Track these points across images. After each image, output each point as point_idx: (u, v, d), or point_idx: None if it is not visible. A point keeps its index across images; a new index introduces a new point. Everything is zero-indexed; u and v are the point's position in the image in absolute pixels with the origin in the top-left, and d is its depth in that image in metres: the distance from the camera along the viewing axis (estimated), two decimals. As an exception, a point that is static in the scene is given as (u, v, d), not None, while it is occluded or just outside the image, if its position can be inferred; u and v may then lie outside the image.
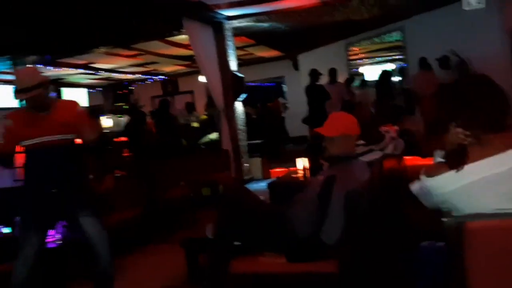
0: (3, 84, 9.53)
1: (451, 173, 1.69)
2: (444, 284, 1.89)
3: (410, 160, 6.79)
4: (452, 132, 1.73)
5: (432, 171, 1.77)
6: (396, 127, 4.21)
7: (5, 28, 7.02)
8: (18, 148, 3.15)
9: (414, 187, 1.87)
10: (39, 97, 2.97)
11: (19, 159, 7.07)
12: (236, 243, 2.81)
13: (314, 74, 8.56)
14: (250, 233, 2.70)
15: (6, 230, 3.81)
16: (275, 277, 2.56)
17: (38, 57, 8.29)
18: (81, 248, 3.72)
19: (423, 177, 1.80)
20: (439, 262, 2.01)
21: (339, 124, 2.70)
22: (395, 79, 11.00)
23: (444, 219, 1.69)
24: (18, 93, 2.97)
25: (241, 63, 7.98)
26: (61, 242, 3.90)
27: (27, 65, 3.08)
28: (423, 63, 8.14)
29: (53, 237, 3.79)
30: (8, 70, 8.87)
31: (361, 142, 3.53)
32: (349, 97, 9.28)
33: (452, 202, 1.72)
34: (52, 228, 3.75)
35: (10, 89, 8.81)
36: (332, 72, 9.37)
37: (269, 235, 2.64)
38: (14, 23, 6.96)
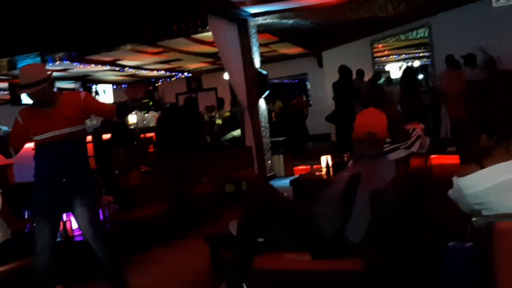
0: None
1: (483, 172, 1.67)
2: (471, 286, 1.86)
3: (436, 159, 6.71)
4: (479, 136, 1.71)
5: (464, 171, 1.74)
6: (422, 125, 4.15)
7: (35, 24, 7.19)
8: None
9: (450, 191, 1.84)
10: (42, 92, 2.99)
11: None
12: (259, 239, 2.82)
13: (345, 71, 8.41)
14: (274, 229, 2.70)
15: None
16: (299, 274, 2.57)
17: (66, 54, 8.46)
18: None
19: (455, 178, 1.77)
20: (466, 263, 1.98)
21: (368, 122, 2.67)
22: (420, 76, 10.86)
23: (473, 219, 1.66)
24: (21, 88, 3.02)
25: (265, 60, 7.99)
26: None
27: (34, 62, 3.06)
28: (451, 60, 7.98)
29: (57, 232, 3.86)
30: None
31: (387, 140, 3.49)
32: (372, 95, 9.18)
33: (484, 201, 1.70)
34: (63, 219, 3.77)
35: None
36: (360, 71, 9.31)
37: (293, 232, 2.64)
38: (44, 20, 7.12)
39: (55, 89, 3.31)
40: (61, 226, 3.87)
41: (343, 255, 2.45)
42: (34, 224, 3.17)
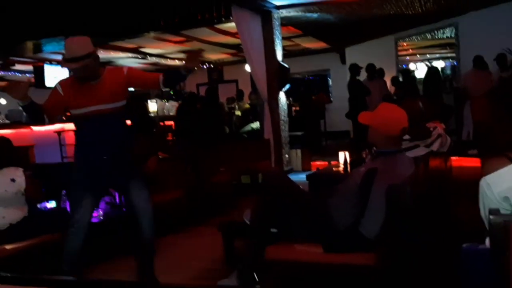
0: (57, 65, 9.88)
1: (509, 168, 1.63)
2: (489, 286, 1.83)
3: (456, 160, 6.60)
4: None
5: (490, 168, 1.70)
6: (443, 125, 4.09)
7: (59, 9, 7.28)
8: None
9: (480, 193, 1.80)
10: (88, 67, 2.91)
11: (68, 137, 7.34)
12: (272, 230, 2.82)
13: (355, 69, 8.42)
14: (287, 220, 2.70)
15: (52, 204, 3.94)
16: (310, 266, 2.56)
17: (91, 38, 8.52)
18: (121, 224, 3.84)
19: (482, 178, 1.73)
20: (482, 264, 1.95)
21: (387, 116, 2.62)
22: (445, 77, 10.68)
23: (491, 217, 1.63)
24: (66, 62, 2.93)
25: (287, 54, 7.96)
26: (102, 218, 4.03)
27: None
28: (478, 61, 7.84)
29: (96, 212, 3.92)
30: (61, 51, 9.22)
31: (407, 137, 3.44)
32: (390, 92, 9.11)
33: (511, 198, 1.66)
34: (103, 196, 3.78)
35: (63, 69, 9.17)
36: (371, 68, 9.16)
37: (307, 224, 2.63)
38: (69, 4, 7.21)
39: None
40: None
41: (356, 250, 2.44)
42: (71, 201, 3.14)
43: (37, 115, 2.98)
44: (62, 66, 3.01)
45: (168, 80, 3.21)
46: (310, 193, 3.40)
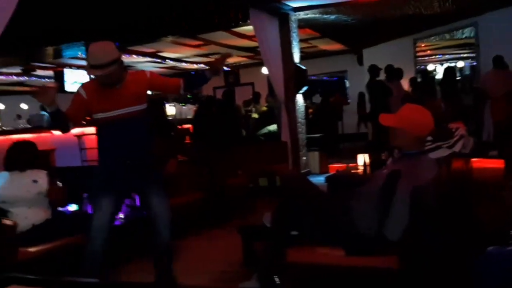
0: (77, 70, 10.03)
1: None
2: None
3: (477, 162, 6.49)
4: None
5: None
6: (465, 125, 4.02)
7: (78, 15, 7.39)
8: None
9: None
10: (113, 74, 2.89)
11: (88, 141, 7.42)
12: (293, 232, 2.80)
13: (374, 70, 8.34)
14: (308, 223, 2.68)
15: (74, 207, 3.99)
16: (332, 269, 2.54)
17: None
18: (141, 226, 3.86)
19: None
20: (506, 267, 1.91)
21: (414, 117, 2.58)
22: (464, 77, 10.54)
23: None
24: (92, 69, 2.90)
25: (304, 56, 7.94)
26: (123, 220, 4.06)
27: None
28: (498, 61, 7.70)
29: (118, 215, 3.95)
30: (81, 56, 9.34)
31: (429, 138, 3.39)
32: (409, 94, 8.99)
33: None
34: (124, 200, 3.77)
35: (83, 74, 9.31)
36: (390, 69, 9.06)
37: (328, 227, 2.61)
38: (88, 10, 7.31)
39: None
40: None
41: (379, 252, 2.41)
42: (93, 205, 3.14)
43: (64, 122, 2.95)
44: (87, 72, 3.03)
45: (188, 84, 3.23)
46: (330, 196, 3.37)
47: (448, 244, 2.46)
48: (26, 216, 3.33)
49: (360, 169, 5.03)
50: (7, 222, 3.10)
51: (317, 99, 12.83)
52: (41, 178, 3.41)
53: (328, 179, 4.89)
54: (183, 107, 10.40)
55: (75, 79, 9.61)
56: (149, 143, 3.21)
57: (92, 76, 3.11)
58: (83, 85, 3.09)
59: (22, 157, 3.45)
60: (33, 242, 3.23)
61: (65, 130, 3.02)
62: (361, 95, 12.14)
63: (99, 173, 3.13)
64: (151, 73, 3.23)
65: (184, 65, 12.67)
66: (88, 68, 2.95)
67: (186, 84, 3.20)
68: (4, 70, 10.94)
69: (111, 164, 3.08)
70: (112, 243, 3.24)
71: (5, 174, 3.42)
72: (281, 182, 5.82)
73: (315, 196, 2.78)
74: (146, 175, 3.15)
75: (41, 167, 3.54)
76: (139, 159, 3.08)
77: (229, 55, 3.57)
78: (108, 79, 2.93)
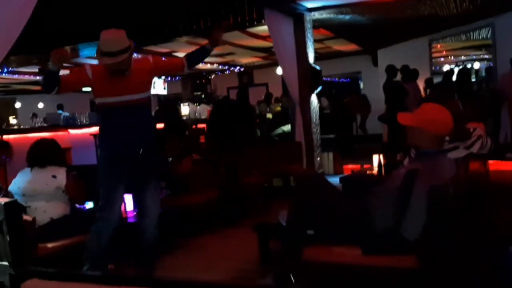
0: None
1: None
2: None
3: (494, 164, 6.41)
4: None
5: None
6: (483, 125, 3.97)
7: (95, 15, 7.48)
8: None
9: None
10: (124, 62, 2.89)
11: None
12: (309, 231, 2.80)
13: (392, 71, 8.29)
14: (325, 222, 2.68)
15: (90, 204, 4.03)
16: (349, 268, 2.53)
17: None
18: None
19: None
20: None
21: (435, 116, 2.56)
22: (481, 79, 10.43)
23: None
24: (104, 56, 2.88)
25: (318, 56, 7.92)
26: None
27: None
28: (516, 62, 7.62)
29: (132, 212, 3.98)
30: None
31: (446, 138, 3.36)
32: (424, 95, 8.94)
33: None
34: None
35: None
36: (406, 70, 9.00)
37: (345, 226, 2.60)
38: (104, 10, 7.39)
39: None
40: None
41: (396, 252, 2.40)
42: (101, 187, 3.12)
43: (54, 83, 2.91)
44: (98, 59, 2.96)
45: (192, 60, 3.25)
46: (347, 195, 3.37)
47: (465, 244, 2.44)
48: (45, 210, 3.41)
49: (375, 170, 4.99)
50: (27, 217, 3.15)
51: (324, 101, 12.80)
52: (60, 174, 3.49)
53: (342, 180, 4.89)
54: (197, 107, 10.46)
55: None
56: (153, 131, 3.21)
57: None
58: (92, 65, 3.10)
59: (43, 154, 3.55)
60: (51, 237, 3.29)
61: (50, 89, 2.95)
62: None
63: (106, 164, 3.10)
64: (153, 57, 3.26)
65: (199, 65, 12.71)
66: (100, 56, 2.92)
67: (189, 61, 3.23)
68: (22, 69, 11.08)
69: (115, 150, 3.06)
70: (127, 238, 3.29)
71: (27, 171, 3.52)
72: (296, 180, 5.81)
73: (331, 195, 2.77)
74: (148, 166, 3.13)
75: (61, 164, 3.60)
76: (142, 147, 3.07)
77: (228, 23, 3.61)
78: (119, 67, 2.92)
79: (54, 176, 3.47)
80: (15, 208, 3.01)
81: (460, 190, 2.60)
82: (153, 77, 3.22)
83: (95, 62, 10.24)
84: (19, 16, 3.16)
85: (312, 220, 2.72)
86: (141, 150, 3.07)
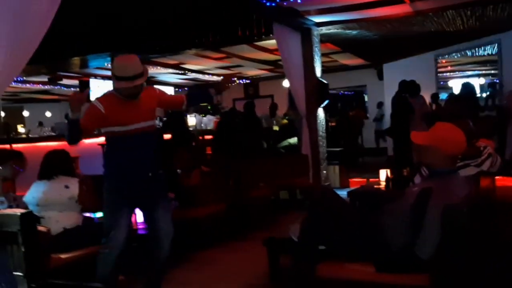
0: (101, 79, 10.22)
1: None
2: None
3: (500, 180, 6.42)
4: None
5: None
6: (493, 144, 4.01)
7: (105, 27, 7.58)
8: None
9: None
10: (138, 86, 2.94)
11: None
12: (320, 247, 2.81)
13: (405, 86, 8.28)
14: (337, 238, 2.69)
15: (100, 214, 4.06)
16: (363, 285, 2.55)
17: (134, 55, 8.80)
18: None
19: None
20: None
21: (449, 136, 2.59)
22: (485, 94, 10.48)
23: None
24: (120, 81, 2.91)
25: (324, 69, 7.98)
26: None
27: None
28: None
29: (143, 224, 4.00)
30: (106, 66, 9.54)
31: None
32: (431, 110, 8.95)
33: None
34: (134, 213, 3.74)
35: (109, 84, 9.48)
36: (413, 85, 9.03)
37: (358, 243, 2.62)
38: (113, 22, 7.49)
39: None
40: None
41: (409, 270, 2.42)
42: (107, 215, 3.16)
43: (79, 132, 2.94)
44: (117, 86, 2.99)
45: (192, 101, 3.43)
46: (360, 211, 3.39)
47: (481, 263, 2.46)
48: (58, 220, 3.45)
49: (383, 184, 5.01)
50: (42, 228, 3.18)
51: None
52: (73, 184, 3.54)
53: (351, 194, 4.90)
54: (204, 118, 10.50)
55: (100, 88, 9.80)
56: (160, 157, 3.26)
57: (110, 89, 3.14)
58: (99, 99, 3.06)
59: (55, 165, 3.60)
60: (64, 247, 3.32)
61: (76, 141, 2.98)
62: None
63: (112, 188, 3.10)
64: (159, 90, 3.37)
65: (206, 77, 12.81)
66: (116, 81, 2.97)
67: (189, 101, 3.42)
68: (31, 78, 11.19)
69: (125, 178, 3.08)
70: (139, 251, 3.30)
71: (40, 183, 3.55)
72: (308, 195, 5.83)
73: (345, 211, 2.80)
74: (157, 190, 3.20)
75: (73, 174, 3.64)
76: (152, 173, 3.13)
77: (231, 75, 3.82)
78: (135, 90, 2.98)
79: (66, 186, 3.52)
80: (30, 219, 3.08)
81: (473, 208, 2.63)
82: (157, 106, 3.26)
83: (102, 72, 10.35)
84: (40, 25, 3.24)
85: (325, 236, 2.73)
86: (150, 174, 3.12)
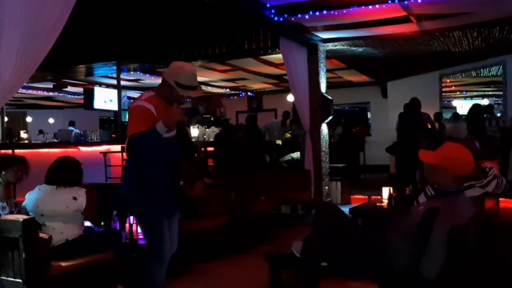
0: (107, 87, 10.25)
1: None
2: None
3: (503, 201, 6.41)
4: None
5: None
6: (497, 164, 4.00)
7: (111, 36, 7.63)
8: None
9: None
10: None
11: (114, 158, 7.49)
12: (322, 263, 2.79)
13: (415, 104, 8.19)
14: (341, 255, 2.67)
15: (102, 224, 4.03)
16: (365, 303, 2.52)
17: (140, 65, 8.86)
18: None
19: None
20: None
21: (457, 156, 2.58)
22: (489, 115, 10.48)
23: None
24: (188, 90, 2.83)
25: (328, 85, 8.02)
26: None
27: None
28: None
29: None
30: (112, 75, 9.57)
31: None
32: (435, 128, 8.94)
33: None
34: None
35: (114, 92, 9.51)
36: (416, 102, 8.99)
37: (362, 261, 2.60)
38: (120, 32, 7.55)
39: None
40: (127, 228, 4.02)
41: (413, 290, 2.39)
42: (151, 232, 3.04)
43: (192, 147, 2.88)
44: (184, 94, 2.86)
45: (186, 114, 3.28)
46: (364, 229, 3.36)
47: (482, 282, 2.43)
48: (62, 231, 3.39)
49: (385, 202, 4.99)
50: (43, 235, 3.16)
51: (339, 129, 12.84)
52: (81, 196, 3.45)
53: (353, 211, 4.87)
54: (206, 129, 10.50)
55: (104, 97, 9.82)
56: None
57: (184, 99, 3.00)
58: (148, 101, 2.85)
59: (66, 174, 3.50)
60: (65, 257, 3.28)
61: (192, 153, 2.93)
62: None
63: (151, 200, 2.95)
64: None
65: (209, 88, 12.85)
66: (182, 89, 2.83)
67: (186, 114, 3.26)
68: (36, 84, 11.23)
69: (165, 187, 3.01)
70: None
71: (45, 188, 3.48)
72: (313, 209, 5.80)
73: (348, 228, 2.78)
74: (179, 199, 3.17)
75: (81, 184, 3.58)
76: (176, 182, 3.12)
77: (222, 97, 3.72)
78: (182, 100, 2.93)
79: (75, 198, 3.43)
80: (32, 226, 3.07)
81: (479, 229, 2.61)
82: None
83: (107, 81, 10.38)
84: (50, 35, 3.28)
85: (328, 252, 2.71)
86: (182, 183, 3.11)
